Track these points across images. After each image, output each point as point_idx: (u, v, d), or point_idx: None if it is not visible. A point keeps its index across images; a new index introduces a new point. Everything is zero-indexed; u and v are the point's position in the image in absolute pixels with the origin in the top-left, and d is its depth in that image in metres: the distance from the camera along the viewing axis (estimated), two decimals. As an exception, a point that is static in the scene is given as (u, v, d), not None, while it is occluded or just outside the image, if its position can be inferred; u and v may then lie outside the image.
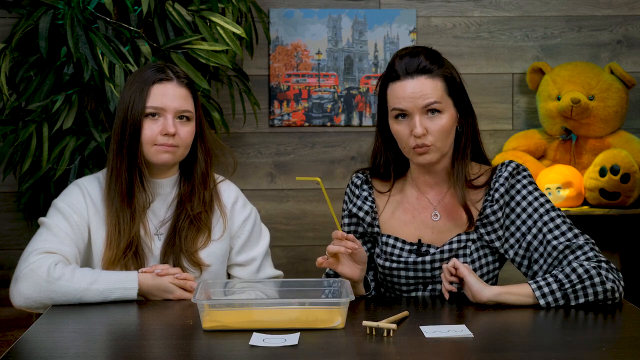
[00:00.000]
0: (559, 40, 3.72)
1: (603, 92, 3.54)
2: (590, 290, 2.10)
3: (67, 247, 2.30)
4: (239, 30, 3.11)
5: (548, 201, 2.25)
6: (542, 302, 2.10)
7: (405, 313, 2.02)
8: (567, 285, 2.10)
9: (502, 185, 2.25)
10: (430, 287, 2.30)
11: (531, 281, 2.13)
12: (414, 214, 2.32)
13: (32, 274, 2.21)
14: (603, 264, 2.14)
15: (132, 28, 3.03)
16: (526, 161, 3.51)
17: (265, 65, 3.66)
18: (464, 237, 2.26)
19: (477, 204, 2.28)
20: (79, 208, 2.36)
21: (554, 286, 2.10)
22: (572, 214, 3.42)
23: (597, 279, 2.10)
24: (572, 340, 1.87)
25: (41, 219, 2.36)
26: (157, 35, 3.08)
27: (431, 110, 2.20)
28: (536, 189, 2.27)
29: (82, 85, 3.01)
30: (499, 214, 2.24)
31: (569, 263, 2.15)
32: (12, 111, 3.05)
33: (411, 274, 2.29)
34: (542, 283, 2.11)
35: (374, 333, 1.88)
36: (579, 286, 2.10)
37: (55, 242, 2.29)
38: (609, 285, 2.11)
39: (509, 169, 2.27)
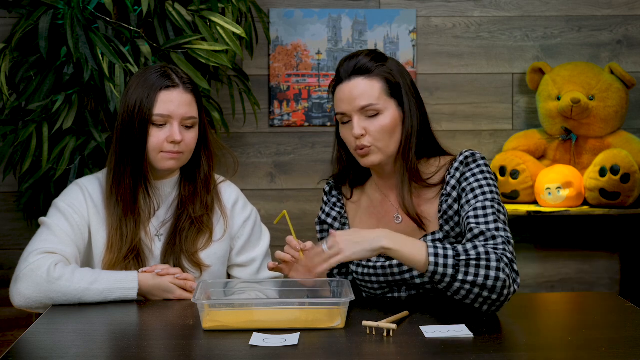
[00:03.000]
0: (559, 40, 3.72)
1: (603, 92, 3.54)
2: (482, 272, 2.00)
3: (67, 247, 2.29)
4: (239, 30, 3.11)
5: (492, 192, 2.17)
6: (431, 259, 1.99)
7: (405, 313, 2.02)
8: (463, 257, 2.01)
9: (452, 177, 2.21)
10: (404, 288, 2.28)
11: (430, 242, 2.07)
12: (378, 218, 2.31)
13: (32, 274, 2.21)
14: (506, 259, 2.04)
15: (132, 28, 3.03)
16: (526, 161, 3.51)
17: (265, 65, 3.66)
18: (429, 237, 2.23)
19: (434, 201, 2.24)
20: (80, 208, 2.36)
21: (450, 252, 2.01)
22: (572, 214, 3.43)
23: (494, 264, 2.00)
24: (572, 340, 1.87)
25: (41, 219, 2.36)
26: (157, 35, 3.08)
27: (369, 111, 2.20)
28: (486, 178, 2.20)
29: (82, 85, 3.01)
30: (455, 207, 2.20)
31: (474, 243, 2.06)
32: (12, 111, 3.05)
33: (382, 278, 2.27)
34: (439, 245, 2.03)
35: (374, 333, 1.88)
36: (473, 262, 2.00)
37: (56, 242, 2.29)
38: (502, 275, 2.00)
39: (461, 158, 2.22)
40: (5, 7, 3.14)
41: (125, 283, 2.22)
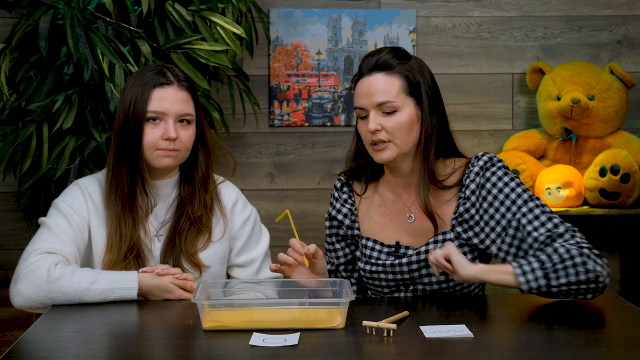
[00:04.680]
0: (559, 40, 3.72)
1: (603, 92, 3.54)
2: (571, 270, 2.06)
3: (67, 248, 2.29)
4: (239, 30, 3.11)
5: (525, 190, 2.21)
6: (521, 279, 2.06)
7: (405, 313, 2.02)
8: (548, 264, 2.06)
9: (472, 181, 2.22)
10: (411, 287, 2.29)
11: (512, 260, 2.11)
12: (391, 217, 2.31)
13: (32, 274, 2.21)
14: (585, 249, 2.09)
15: (132, 28, 3.03)
16: (526, 161, 3.51)
17: (265, 65, 3.66)
18: (440, 237, 2.25)
19: (451, 202, 2.26)
20: (80, 208, 2.36)
21: (535, 265, 2.06)
22: (572, 214, 3.42)
23: (578, 259, 2.06)
24: (572, 340, 1.87)
25: (41, 219, 2.36)
26: (157, 35, 3.08)
27: (385, 108, 2.21)
28: (512, 179, 2.23)
29: (82, 85, 3.01)
30: (472, 211, 2.22)
31: (550, 245, 2.12)
32: (12, 111, 3.05)
33: (390, 276, 2.28)
34: (523, 262, 2.08)
35: (374, 333, 1.88)
36: (559, 265, 2.06)
37: (56, 242, 2.29)
38: (590, 264, 2.06)
39: (480, 163, 2.24)
40: (5, 7, 3.14)
41: (125, 283, 2.22)
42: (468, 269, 2.08)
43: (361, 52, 3.66)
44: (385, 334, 1.87)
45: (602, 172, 3.39)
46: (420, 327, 1.92)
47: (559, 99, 3.55)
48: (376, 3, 3.68)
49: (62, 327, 2.04)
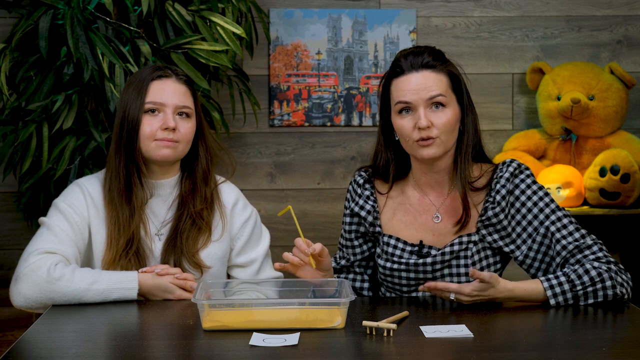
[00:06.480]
0: (559, 40, 3.72)
1: (603, 92, 3.54)
2: (600, 293, 2.12)
3: (68, 248, 2.30)
4: (239, 30, 3.11)
5: (552, 201, 2.26)
6: (552, 301, 2.11)
7: (405, 313, 2.02)
8: (579, 287, 2.11)
9: (503, 186, 2.24)
10: None
11: (543, 278, 2.14)
12: (415, 216, 2.32)
13: (32, 274, 2.21)
14: (613, 266, 2.15)
15: (132, 28, 3.03)
16: (526, 161, 3.51)
17: (265, 65, 3.66)
18: (465, 238, 2.26)
19: (478, 206, 2.27)
20: (80, 208, 2.36)
21: (566, 286, 2.12)
22: (572, 214, 3.42)
23: (608, 282, 2.12)
24: (572, 340, 1.87)
25: (42, 219, 2.36)
26: (157, 35, 3.08)
27: (435, 103, 2.21)
28: (540, 188, 2.26)
29: (82, 85, 3.01)
30: (501, 216, 2.24)
31: (581, 263, 2.15)
32: (12, 111, 3.05)
33: (412, 275, 2.28)
34: (554, 282, 2.12)
35: (374, 333, 1.88)
36: (590, 288, 2.12)
37: (56, 242, 2.29)
38: (618, 289, 2.13)
39: (510, 169, 2.26)
40: (5, 7, 3.14)
41: (125, 283, 2.23)
42: (498, 295, 2.12)
43: (361, 52, 3.66)
44: (385, 334, 1.87)
45: (602, 172, 3.39)
46: (420, 327, 1.93)
47: (559, 99, 3.55)
48: (376, 3, 3.68)
49: (62, 327, 2.04)
